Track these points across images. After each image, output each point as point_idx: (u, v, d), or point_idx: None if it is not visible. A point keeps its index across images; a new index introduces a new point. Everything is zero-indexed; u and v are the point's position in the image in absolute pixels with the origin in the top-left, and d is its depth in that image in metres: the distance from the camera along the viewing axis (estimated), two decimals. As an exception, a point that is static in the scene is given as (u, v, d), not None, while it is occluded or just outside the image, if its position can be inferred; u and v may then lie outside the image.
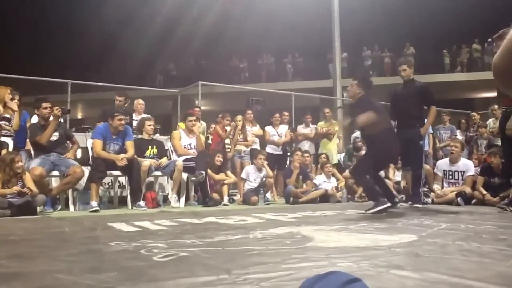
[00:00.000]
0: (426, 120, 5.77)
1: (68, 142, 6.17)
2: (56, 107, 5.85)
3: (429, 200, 6.69)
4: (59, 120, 5.96)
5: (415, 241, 2.76)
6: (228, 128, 8.02)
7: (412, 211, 5.14)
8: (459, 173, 6.83)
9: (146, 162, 6.17)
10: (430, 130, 8.66)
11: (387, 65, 18.97)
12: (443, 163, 7.11)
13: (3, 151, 5.59)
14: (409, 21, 18.94)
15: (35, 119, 6.27)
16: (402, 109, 5.75)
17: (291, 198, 7.09)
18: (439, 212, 5.09)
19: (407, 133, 5.59)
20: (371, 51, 19.53)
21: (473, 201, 6.48)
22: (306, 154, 7.96)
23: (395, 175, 7.90)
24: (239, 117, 8.16)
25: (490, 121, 9.33)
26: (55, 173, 5.80)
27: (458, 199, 6.36)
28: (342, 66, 15.33)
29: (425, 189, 6.93)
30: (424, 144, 5.90)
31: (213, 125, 8.51)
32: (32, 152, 5.94)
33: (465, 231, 3.25)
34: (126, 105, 7.25)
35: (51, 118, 5.85)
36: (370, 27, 19.10)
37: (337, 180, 7.89)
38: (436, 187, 6.92)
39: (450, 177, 6.90)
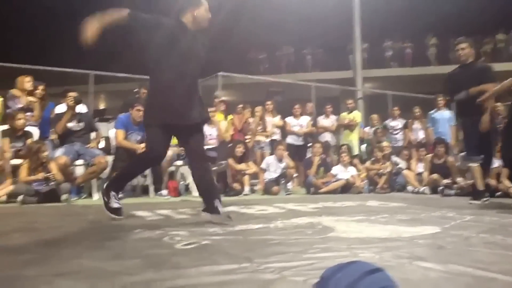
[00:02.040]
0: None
1: (92, 132, 6.27)
2: (69, 98, 5.93)
3: (452, 192, 6.61)
4: (75, 110, 6.01)
5: (438, 233, 2.73)
6: (251, 120, 8.02)
7: (435, 203, 5.07)
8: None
9: (168, 152, 6.21)
10: (453, 122, 8.52)
11: (408, 55, 18.68)
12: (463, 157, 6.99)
13: (29, 140, 5.72)
14: (431, 11, 18.55)
15: (61, 108, 6.38)
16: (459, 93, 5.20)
17: (312, 189, 7.08)
18: (463, 204, 5.02)
19: (475, 120, 5.07)
20: (392, 42, 19.24)
21: (498, 193, 6.37)
22: (327, 145, 7.94)
23: (418, 167, 7.82)
24: (259, 108, 8.15)
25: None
26: (80, 162, 5.90)
27: (482, 191, 6.25)
28: (362, 56, 15.17)
29: (448, 181, 6.84)
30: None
31: (232, 116, 8.53)
32: (57, 142, 6.06)
33: (489, 224, 3.19)
34: None
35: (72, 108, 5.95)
36: (391, 17, 18.76)
37: (359, 171, 7.84)
38: (460, 179, 6.82)
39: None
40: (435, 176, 7.04)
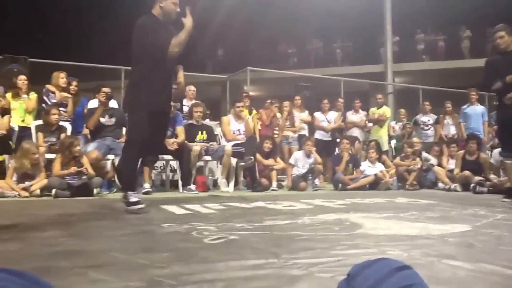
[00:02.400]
0: None
1: (123, 127, 6.38)
2: (102, 93, 6.03)
3: (485, 189, 6.46)
4: (108, 106, 6.12)
5: (469, 231, 2.68)
6: (278, 115, 8.02)
7: (467, 200, 4.97)
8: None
9: (196, 147, 6.29)
10: (486, 118, 8.32)
11: (441, 49, 18.26)
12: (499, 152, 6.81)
13: (62, 135, 5.88)
14: (465, 2, 18.05)
15: (93, 104, 6.52)
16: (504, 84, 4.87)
17: (340, 185, 7.04)
18: (495, 202, 4.90)
19: (508, 113, 4.76)
20: (424, 34, 18.83)
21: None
22: (356, 141, 7.85)
23: (449, 163, 7.67)
24: (287, 103, 8.14)
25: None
26: (111, 156, 6.03)
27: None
28: (393, 50, 14.92)
29: (481, 178, 6.68)
30: None
31: (260, 110, 8.53)
32: (89, 136, 6.20)
33: (522, 222, 3.12)
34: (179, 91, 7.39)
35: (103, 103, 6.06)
36: (423, 8, 18.34)
37: (388, 167, 7.74)
38: (492, 176, 6.65)
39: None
40: (466, 173, 6.89)
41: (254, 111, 8.15)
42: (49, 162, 5.60)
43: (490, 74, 5.00)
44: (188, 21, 3.66)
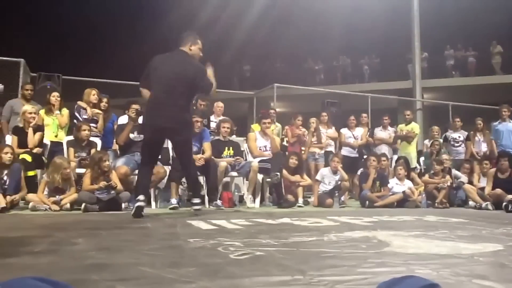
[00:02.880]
0: None
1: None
2: (132, 110, 6.14)
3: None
4: (137, 122, 6.23)
5: (501, 250, 2.60)
6: (303, 129, 8.01)
7: (499, 219, 4.83)
8: None
9: (223, 163, 6.33)
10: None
11: (471, 64, 17.97)
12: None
13: (93, 150, 6.01)
14: (495, 17, 17.78)
15: (123, 120, 6.65)
16: None
17: (367, 202, 6.95)
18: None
19: None
20: (454, 50, 18.59)
21: None
22: (383, 158, 7.75)
23: (480, 181, 7.48)
24: (313, 120, 8.12)
25: None
26: (139, 171, 6.11)
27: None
28: (422, 66, 14.77)
29: None
30: None
31: (286, 127, 8.52)
32: (118, 152, 6.32)
33: (558, 243, 3.01)
34: (206, 108, 7.49)
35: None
36: (453, 24, 18.15)
37: (416, 184, 7.60)
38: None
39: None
40: (498, 191, 6.71)
41: (273, 126, 8.12)
42: (80, 177, 5.72)
43: None
44: (209, 70, 4.72)
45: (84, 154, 6.09)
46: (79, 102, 6.84)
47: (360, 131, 8.64)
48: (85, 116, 6.65)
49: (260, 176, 6.57)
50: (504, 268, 2.08)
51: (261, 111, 8.32)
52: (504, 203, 6.46)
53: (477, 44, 18.06)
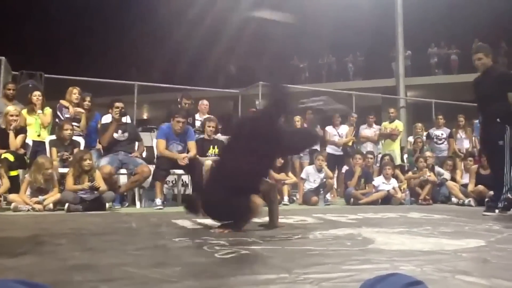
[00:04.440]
0: None
1: (136, 142, 6.43)
2: (116, 110, 6.09)
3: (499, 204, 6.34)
4: (121, 121, 6.17)
5: (483, 246, 2.64)
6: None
7: (481, 215, 4.90)
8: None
9: (208, 161, 6.30)
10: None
11: (454, 62, 18.18)
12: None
13: (76, 150, 5.94)
14: (478, 16, 18.02)
15: (106, 119, 6.59)
16: (482, 102, 5.10)
17: (352, 200, 6.99)
18: (509, 216, 4.83)
19: (488, 130, 4.99)
20: (437, 48, 18.79)
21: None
22: (370, 156, 7.80)
23: (463, 177, 7.58)
24: (297, 118, 8.13)
25: None
26: (123, 171, 6.07)
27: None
28: (405, 64, 14.90)
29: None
30: (505, 144, 4.86)
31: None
32: (102, 151, 6.26)
33: (538, 238, 3.07)
34: (191, 106, 7.46)
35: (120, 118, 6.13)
36: (436, 22, 18.35)
37: (400, 181, 7.67)
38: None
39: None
40: (481, 187, 6.81)
41: None
42: (63, 176, 5.65)
43: (474, 94, 5.27)
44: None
45: (67, 154, 6.01)
46: (62, 101, 6.75)
47: (344, 129, 8.68)
48: (67, 115, 6.57)
49: (245, 175, 6.55)
50: (486, 263, 2.11)
51: (248, 110, 8.30)
52: (486, 199, 6.56)
53: (459, 42, 18.27)
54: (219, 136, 7.47)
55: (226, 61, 21.42)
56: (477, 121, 8.27)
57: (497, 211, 4.87)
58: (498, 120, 4.85)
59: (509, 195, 4.95)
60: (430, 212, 5.37)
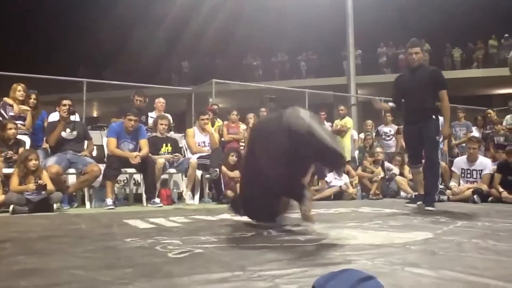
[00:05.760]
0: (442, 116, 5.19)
1: (85, 140, 6.24)
2: (63, 108, 5.89)
3: (445, 197, 6.63)
4: (69, 120, 5.97)
5: (431, 238, 2.74)
6: (243, 127, 7.98)
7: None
8: (477, 172, 6.75)
9: (160, 160, 6.20)
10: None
11: (402, 61, 18.79)
12: (461, 161, 7.02)
13: (21, 149, 5.69)
14: (425, 17, 18.72)
15: (54, 117, 6.35)
16: (413, 100, 5.09)
17: (305, 196, 7.07)
18: (455, 209, 5.04)
19: (421, 126, 5.00)
20: (386, 48, 19.38)
21: (490, 198, 6.41)
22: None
23: (410, 173, 7.83)
24: (251, 115, 8.13)
25: (508, 118, 9.20)
26: (72, 170, 5.87)
27: (475, 196, 6.29)
28: (356, 63, 15.25)
29: (441, 186, 6.85)
30: (439, 138, 5.08)
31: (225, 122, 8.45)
32: (49, 150, 6.03)
33: (481, 229, 3.21)
34: (144, 104, 7.29)
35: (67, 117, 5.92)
36: (385, 23, 18.91)
37: (352, 177, 7.84)
38: (453, 184, 6.84)
39: (468, 175, 6.81)
40: (427, 181, 7.06)
41: (217, 123, 8.08)
42: (7, 177, 5.40)
43: (398, 92, 5.34)
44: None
45: (11, 153, 5.75)
46: (5, 99, 6.44)
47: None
48: (11, 113, 6.28)
49: (199, 173, 6.51)
50: (434, 255, 2.19)
51: (206, 108, 8.22)
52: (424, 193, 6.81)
53: (407, 42, 18.88)
54: (172, 134, 7.38)
55: (179, 58, 21.20)
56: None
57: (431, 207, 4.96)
58: (433, 117, 4.99)
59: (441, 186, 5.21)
60: (381, 206, 5.52)
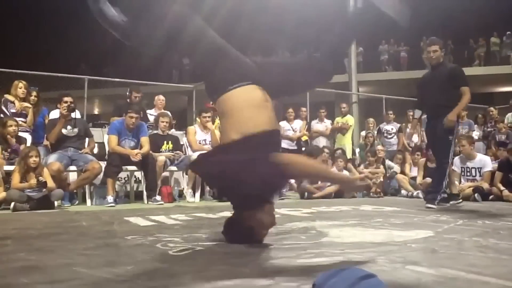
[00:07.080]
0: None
1: (86, 138, 6.24)
2: (64, 105, 5.89)
3: (446, 196, 6.61)
4: (70, 117, 5.97)
5: (431, 237, 2.74)
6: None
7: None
8: (476, 170, 6.74)
9: (161, 157, 6.21)
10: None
11: (403, 59, 18.79)
12: (459, 160, 7.01)
13: (22, 146, 5.70)
14: (426, 14, 18.66)
15: (55, 114, 6.36)
16: (430, 96, 5.11)
17: (306, 194, 7.08)
18: (456, 207, 5.04)
19: (436, 124, 5.00)
20: (387, 45, 19.34)
21: (491, 197, 6.40)
22: (326, 150, 7.91)
23: (411, 170, 7.84)
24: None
25: (509, 115, 9.19)
26: (73, 168, 5.88)
27: (476, 195, 6.28)
28: (357, 60, 15.23)
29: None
30: (453, 138, 5.02)
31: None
32: (50, 148, 6.03)
33: (482, 227, 3.21)
34: (141, 100, 7.29)
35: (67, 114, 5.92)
36: (386, 21, 18.86)
37: (352, 175, 7.83)
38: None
39: (468, 173, 6.81)
40: (428, 180, 7.05)
41: (217, 121, 8.07)
42: (8, 174, 5.41)
43: (419, 91, 5.40)
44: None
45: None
46: (6, 96, 6.45)
47: (298, 124, 8.76)
48: (13, 110, 6.30)
49: (200, 170, 6.50)
50: (435, 253, 2.19)
51: (207, 106, 8.21)
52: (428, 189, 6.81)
53: (408, 39, 18.87)
54: (173, 132, 7.38)
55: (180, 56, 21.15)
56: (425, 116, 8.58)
57: (436, 202, 4.98)
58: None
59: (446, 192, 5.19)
60: (381, 204, 5.52)
